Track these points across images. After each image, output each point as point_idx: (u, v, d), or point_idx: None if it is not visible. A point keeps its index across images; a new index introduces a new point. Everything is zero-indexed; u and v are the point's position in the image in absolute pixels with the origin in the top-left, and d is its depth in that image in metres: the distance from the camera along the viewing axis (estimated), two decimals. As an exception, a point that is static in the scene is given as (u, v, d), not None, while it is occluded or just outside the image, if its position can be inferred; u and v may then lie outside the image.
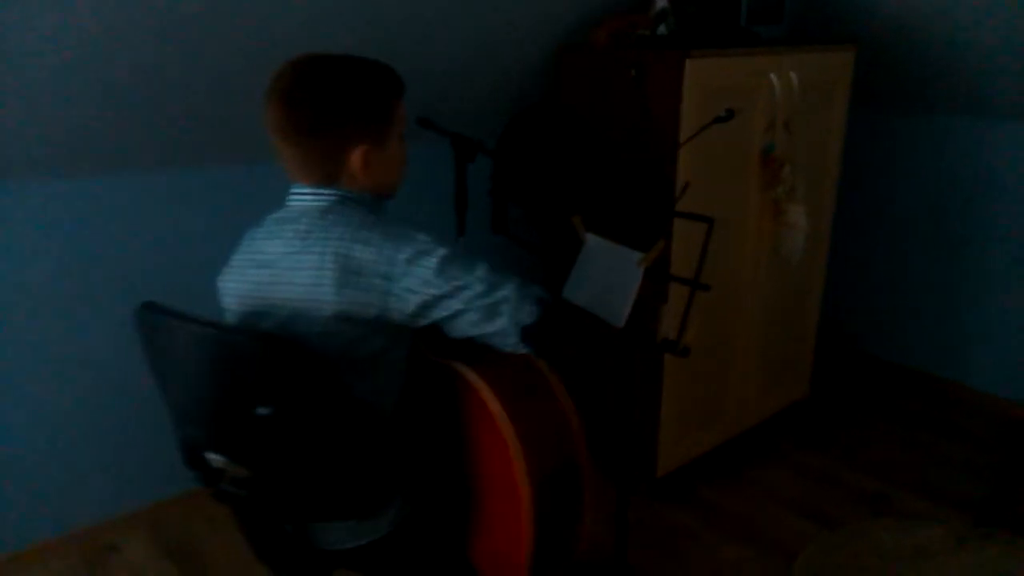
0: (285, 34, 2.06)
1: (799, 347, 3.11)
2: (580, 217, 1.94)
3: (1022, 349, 3.15)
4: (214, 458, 1.36)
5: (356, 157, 1.40)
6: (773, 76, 2.49)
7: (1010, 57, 2.72)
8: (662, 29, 2.51)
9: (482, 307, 1.34)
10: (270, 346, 1.26)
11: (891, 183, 3.40)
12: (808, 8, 2.88)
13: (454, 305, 1.34)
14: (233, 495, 1.39)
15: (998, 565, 2.30)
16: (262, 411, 1.27)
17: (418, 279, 1.32)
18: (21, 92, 1.86)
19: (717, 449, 2.84)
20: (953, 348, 3.37)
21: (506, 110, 2.75)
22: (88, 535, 2.49)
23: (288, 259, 1.38)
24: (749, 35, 2.55)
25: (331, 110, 1.37)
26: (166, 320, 1.33)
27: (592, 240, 1.95)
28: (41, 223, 2.21)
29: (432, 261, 1.33)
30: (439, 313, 1.35)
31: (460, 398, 1.57)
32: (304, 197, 1.43)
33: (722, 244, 2.50)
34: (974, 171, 3.15)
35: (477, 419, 1.54)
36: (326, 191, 1.41)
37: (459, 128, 2.32)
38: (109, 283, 2.36)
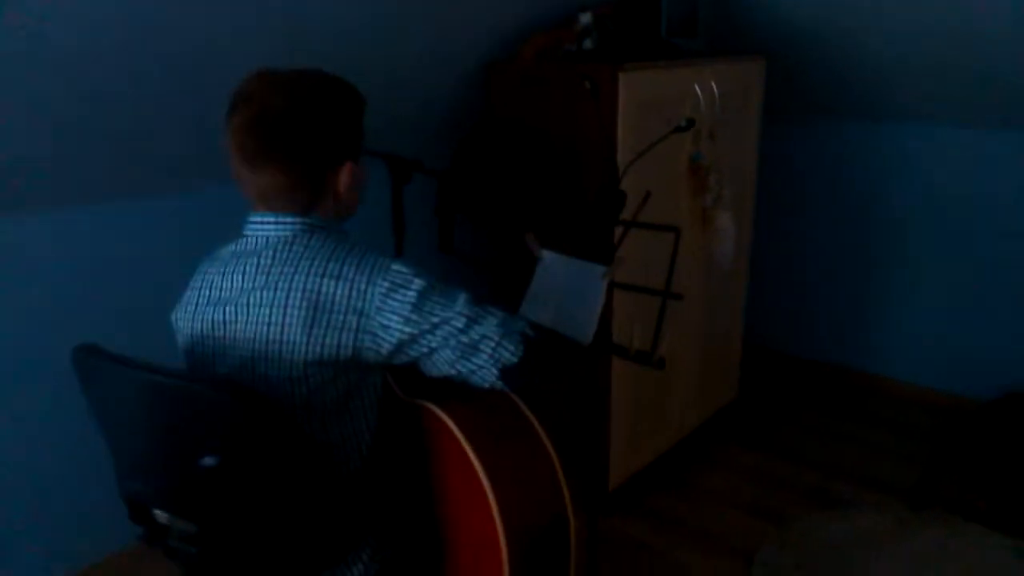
0: (208, 52, 1.95)
1: (727, 350, 3.18)
2: (533, 233, 1.91)
3: (934, 337, 3.33)
4: (159, 513, 1.25)
5: (344, 176, 1.31)
6: (696, 86, 2.54)
7: (902, 64, 2.89)
8: (587, 44, 2.52)
9: (460, 344, 1.26)
10: (213, 390, 1.16)
11: (802, 186, 3.54)
12: (719, 21, 2.97)
13: (432, 342, 1.26)
14: (183, 552, 1.26)
15: (945, 545, 2.40)
16: (208, 462, 1.15)
17: (394, 315, 1.24)
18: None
19: (661, 457, 2.86)
20: (871, 342, 3.52)
21: (440, 127, 2.71)
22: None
23: (248, 295, 1.27)
24: (670, 47, 2.60)
25: (318, 129, 1.27)
26: (103, 364, 1.21)
27: (548, 256, 1.92)
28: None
29: (410, 294, 1.24)
30: (416, 351, 1.27)
31: (432, 441, 1.45)
32: (265, 227, 1.31)
33: (660, 252, 2.52)
34: (876, 170, 3.32)
35: (453, 467, 1.41)
36: (289, 219, 1.30)
37: (392, 148, 2.26)
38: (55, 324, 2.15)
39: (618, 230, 1.92)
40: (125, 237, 2.25)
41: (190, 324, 1.34)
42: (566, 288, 1.85)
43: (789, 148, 3.50)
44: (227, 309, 1.29)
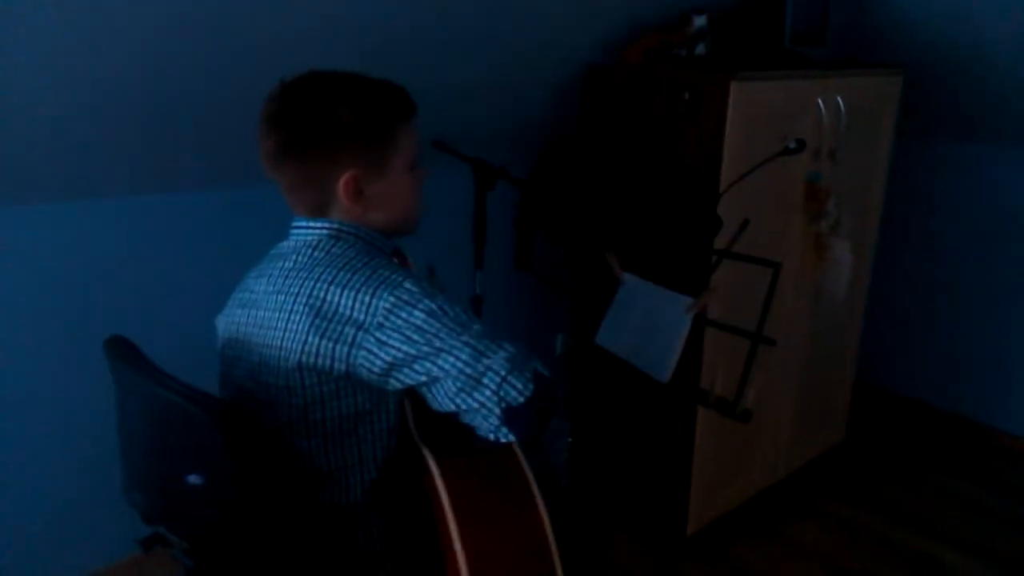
0: (287, 51, 1.86)
1: (835, 390, 2.91)
2: (615, 254, 1.74)
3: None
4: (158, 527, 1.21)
5: (344, 182, 1.23)
6: (820, 101, 2.30)
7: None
8: (700, 49, 2.32)
9: (462, 376, 1.12)
10: (195, 405, 1.07)
11: (936, 218, 3.20)
12: (852, 29, 2.70)
13: (430, 370, 1.13)
14: (184, 563, 1.23)
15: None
16: (193, 480, 1.10)
17: (395, 333, 1.13)
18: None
19: (748, 503, 2.63)
20: (997, 393, 3.15)
21: (529, 135, 2.56)
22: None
23: (267, 299, 1.22)
24: (794, 57, 2.36)
25: (315, 128, 1.21)
26: (118, 364, 1.17)
27: (630, 280, 1.75)
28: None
29: (416, 314, 1.13)
30: (412, 377, 1.14)
31: (430, 490, 1.27)
32: (299, 231, 1.28)
33: (759, 287, 2.30)
34: (1020, 206, 2.95)
35: (440, 526, 1.24)
36: (317, 224, 1.25)
37: (478, 153, 2.13)
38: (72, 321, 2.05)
39: (713, 259, 1.73)
40: (133, 233, 2.13)
41: (224, 326, 1.31)
42: (647, 318, 1.68)
43: (922, 174, 3.17)
44: (250, 312, 1.25)
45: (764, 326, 1.40)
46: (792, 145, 1.45)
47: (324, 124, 1.20)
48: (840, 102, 2.35)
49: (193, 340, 1.60)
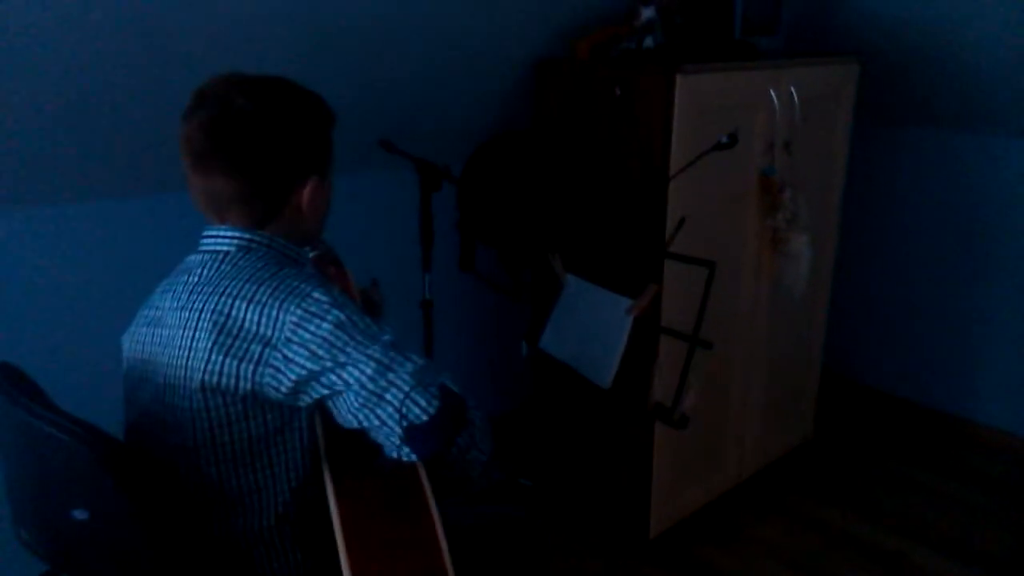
0: (219, 50, 1.80)
1: (802, 386, 2.86)
2: (559, 256, 1.69)
3: (1043, 385, 2.92)
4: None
5: (307, 191, 1.19)
6: (772, 92, 2.25)
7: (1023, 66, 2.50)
8: (648, 42, 2.26)
9: (364, 391, 1.07)
10: (71, 436, 1.01)
11: (897, 206, 3.16)
12: (805, 18, 2.65)
13: (334, 383, 1.08)
14: None
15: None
16: (78, 515, 1.04)
17: (301, 348, 1.07)
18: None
19: (714, 503, 2.58)
20: (965, 382, 3.12)
21: (480, 133, 2.50)
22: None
23: (172, 316, 1.16)
24: (745, 48, 2.31)
25: (282, 138, 1.15)
26: None
27: (573, 282, 1.69)
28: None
29: (324, 327, 1.08)
30: (317, 391, 1.10)
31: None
32: (207, 241, 1.21)
33: (718, 279, 2.24)
34: (986, 192, 2.91)
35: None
36: (230, 234, 1.18)
37: (427, 153, 2.07)
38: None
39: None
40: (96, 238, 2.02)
41: (128, 346, 1.24)
42: (589, 321, 1.63)
43: (884, 162, 3.13)
44: (155, 331, 1.18)
45: (701, 328, 1.35)
46: (724, 139, 1.40)
47: (278, 131, 1.15)
48: (793, 93, 2.30)
49: (107, 360, 1.51)
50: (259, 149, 1.14)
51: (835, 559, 2.42)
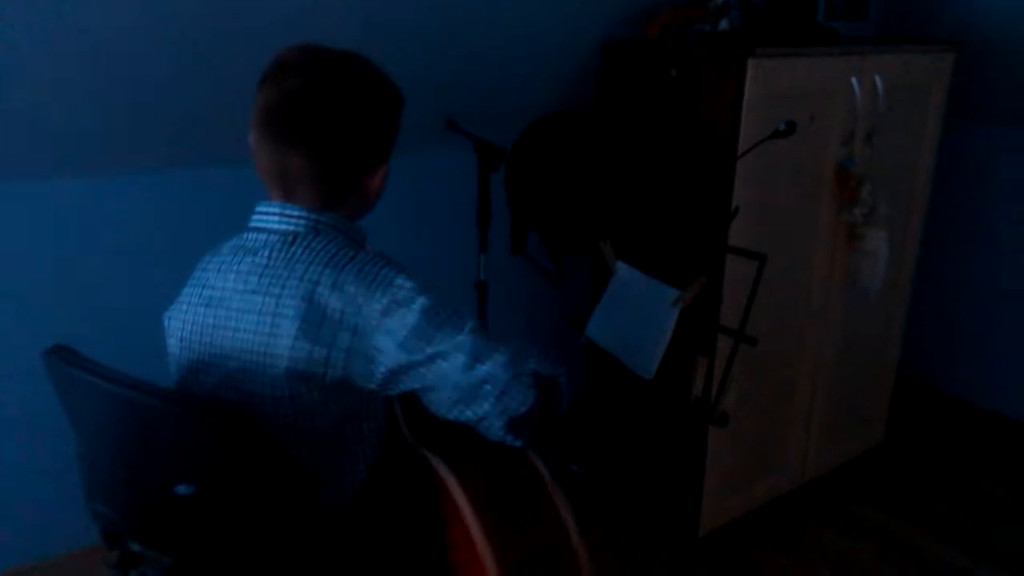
0: (286, 17, 1.81)
1: (874, 390, 2.73)
2: (610, 243, 1.65)
3: None
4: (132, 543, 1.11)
5: (377, 177, 1.19)
6: (854, 80, 2.13)
7: None
8: (724, 24, 2.18)
9: (459, 386, 1.06)
10: (191, 411, 1.01)
11: (987, 207, 2.97)
12: (897, 4, 2.51)
13: (425, 377, 1.07)
14: None
15: None
16: (183, 490, 1.02)
17: (391, 337, 1.06)
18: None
19: (771, 504, 2.50)
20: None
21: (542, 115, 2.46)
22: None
23: (240, 299, 1.13)
24: (826, 32, 2.20)
25: (363, 121, 1.13)
26: (75, 372, 1.07)
27: (623, 270, 1.65)
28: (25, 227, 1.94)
29: (410, 316, 1.07)
30: (410, 383, 1.09)
31: (439, 498, 1.25)
32: (269, 219, 1.16)
33: (787, 274, 2.15)
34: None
35: (456, 531, 1.22)
36: (296, 212, 1.15)
37: (490, 134, 2.04)
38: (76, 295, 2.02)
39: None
40: (116, 214, 2.03)
41: (180, 326, 1.21)
42: (635, 310, 1.58)
43: (974, 160, 2.94)
44: (217, 312, 1.15)
45: (747, 325, 1.29)
46: (781, 127, 1.32)
47: (360, 113, 1.13)
48: (878, 82, 2.18)
49: (142, 336, 1.50)
50: (340, 131, 1.12)
51: (894, 572, 2.31)
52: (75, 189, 1.93)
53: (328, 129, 1.11)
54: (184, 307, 1.21)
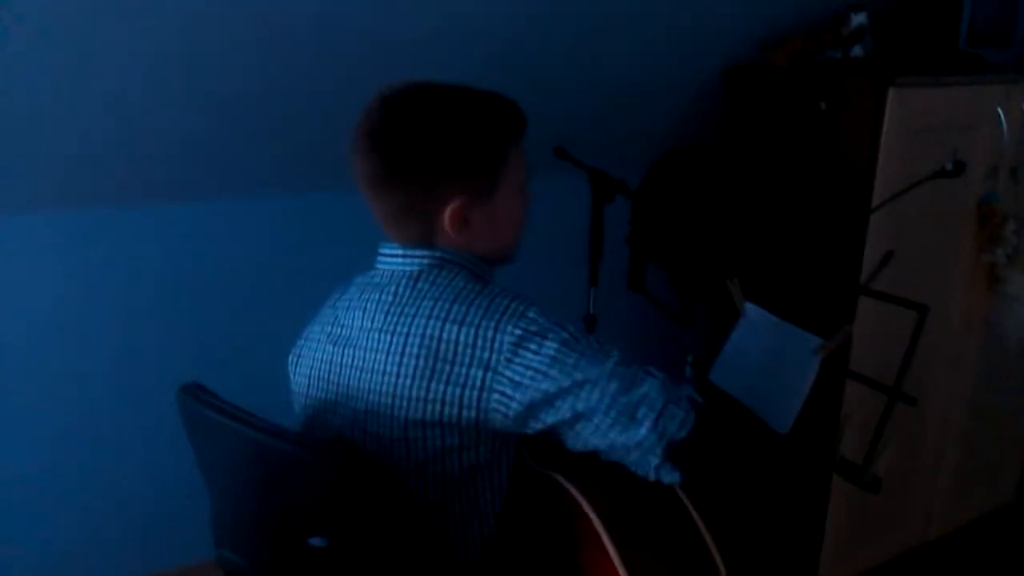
0: (391, 48, 1.77)
1: (1007, 444, 2.53)
2: (738, 281, 1.54)
3: None
4: None
5: (449, 214, 1.08)
6: (1000, 110, 1.98)
7: None
8: (857, 51, 2.05)
9: (614, 409, 0.99)
10: (324, 456, 0.95)
11: None
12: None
13: (576, 406, 0.99)
14: None
15: None
16: (316, 542, 0.97)
17: (527, 369, 0.99)
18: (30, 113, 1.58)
19: (893, 564, 2.32)
20: None
21: (660, 143, 2.36)
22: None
23: (367, 337, 1.08)
24: (970, 60, 2.05)
25: (417, 153, 1.06)
26: (204, 411, 1.03)
27: (753, 311, 1.54)
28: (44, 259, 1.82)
29: (548, 346, 1.00)
30: (554, 416, 1.01)
31: (568, 527, 1.17)
32: (394, 259, 1.13)
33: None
34: None
35: (591, 557, 1.13)
36: (419, 252, 1.11)
37: (601, 163, 1.97)
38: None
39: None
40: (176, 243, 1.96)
41: (309, 364, 1.17)
42: (769, 357, 1.47)
43: None
44: (345, 351, 1.11)
45: (904, 380, 1.17)
46: (949, 167, 1.21)
47: (430, 149, 1.06)
48: (1025, 112, 2.02)
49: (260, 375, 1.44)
50: (393, 166, 1.07)
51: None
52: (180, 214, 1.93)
53: (391, 160, 1.07)
54: (313, 344, 1.17)
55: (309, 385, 1.16)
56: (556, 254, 2.33)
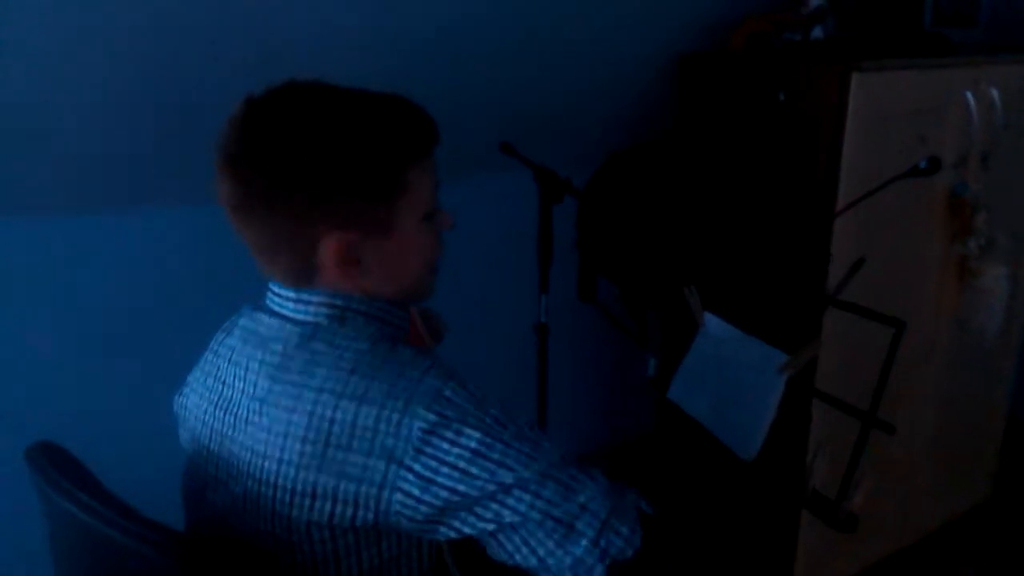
0: (316, 50, 1.61)
1: (982, 440, 2.44)
2: (695, 289, 1.40)
3: None
4: None
5: (333, 251, 0.88)
6: (969, 95, 1.87)
7: None
8: (817, 32, 1.93)
9: (547, 520, 0.82)
10: (169, 558, 0.77)
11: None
12: (1013, 8, 2.22)
13: (500, 513, 0.82)
14: None
15: None
16: None
17: (441, 464, 0.81)
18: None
19: (873, 569, 2.22)
20: None
21: (612, 137, 2.22)
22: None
23: (247, 406, 0.89)
24: (936, 41, 1.93)
25: (283, 173, 0.86)
26: (40, 481, 0.86)
27: (713, 323, 1.40)
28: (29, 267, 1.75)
29: (469, 435, 0.82)
30: (474, 524, 0.84)
31: None
32: (284, 304, 0.93)
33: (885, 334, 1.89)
34: None
35: None
36: (315, 298, 0.91)
37: (551, 160, 1.82)
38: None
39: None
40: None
41: (192, 423, 0.99)
42: (731, 373, 1.33)
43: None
44: (226, 418, 0.93)
45: (879, 404, 1.04)
46: (923, 165, 1.08)
47: (300, 168, 0.85)
48: (995, 96, 1.91)
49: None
50: (263, 191, 0.87)
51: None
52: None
53: (256, 189, 0.87)
54: (196, 398, 0.99)
55: (193, 451, 0.97)
56: (506, 258, 2.19)
